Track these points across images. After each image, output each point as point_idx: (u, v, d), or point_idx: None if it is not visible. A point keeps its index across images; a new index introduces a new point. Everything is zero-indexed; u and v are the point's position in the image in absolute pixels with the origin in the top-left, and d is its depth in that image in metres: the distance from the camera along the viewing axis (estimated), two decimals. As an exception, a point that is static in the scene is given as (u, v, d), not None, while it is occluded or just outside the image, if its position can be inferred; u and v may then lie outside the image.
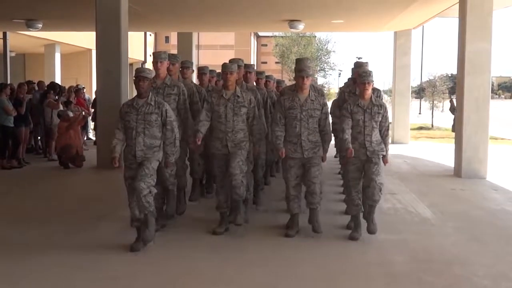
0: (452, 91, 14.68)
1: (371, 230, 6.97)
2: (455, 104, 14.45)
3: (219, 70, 8.33)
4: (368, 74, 6.98)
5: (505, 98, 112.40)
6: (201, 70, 9.31)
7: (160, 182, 7.06)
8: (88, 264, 6.02)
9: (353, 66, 8.68)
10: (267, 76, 10.54)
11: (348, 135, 6.92)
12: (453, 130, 14.97)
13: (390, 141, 7.19)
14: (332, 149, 10.95)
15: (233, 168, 7.03)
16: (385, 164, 7.07)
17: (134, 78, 6.53)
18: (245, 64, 8.74)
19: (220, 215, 7.31)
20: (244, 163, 7.23)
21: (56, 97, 14.95)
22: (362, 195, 7.09)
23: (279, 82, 12.05)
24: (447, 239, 7.23)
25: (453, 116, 14.63)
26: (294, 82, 7.53)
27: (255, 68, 9.72)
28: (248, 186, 7.53)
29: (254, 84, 9.18)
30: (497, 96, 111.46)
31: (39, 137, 15.54)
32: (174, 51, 21.24)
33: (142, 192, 6.30)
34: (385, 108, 7.06)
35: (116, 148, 6.53)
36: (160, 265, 6.02)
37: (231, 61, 7.77)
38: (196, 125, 7.23)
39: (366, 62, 8.32)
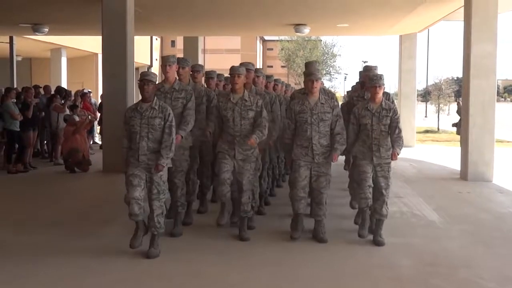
0: (458, 94, 14.57)
1: (377, 243, 6.92)
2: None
3: (226, 74, 8.29)
4: (379, 77, 6.96)
5: (511, 101, 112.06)
6: (209, 75, 9.26)
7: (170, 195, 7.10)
8: (95, 267, 6.04)
9: (361, 70, 8.63)
10: (275, 80, 10.52)
11: (350, 143, 7.03)
12: (457, 133, 14.82)
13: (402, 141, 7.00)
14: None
15: (244, 185, 7.06)
16: (392, 159, 6.91)
17: (138, 81, 6.51)
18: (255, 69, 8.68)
19: (221, 205, 7.26)
20: (254, 174, 7.24)
21: (62, 101, 15.00)
22: (371, 207, 7.08)
23: (286, 86, 12.01)
24: (453, 242, 7.21)
25: (458, 119, 14.47)
26: (299, 86, 7.50)
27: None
28: (253, 193, 7.46)
29: (263, 88, 9.05)
30: (502, 99, 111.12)
31: (45, 141, 15.59)
32: (180, 55, 21.19)
33: (155, 211, 6.38)
34: (394, 111, 6.98)
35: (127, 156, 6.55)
36: (166, 268, 6.03)
37: (241, 64, 7.67)
38: (207, 121, 7.31)
39: (376, 66, 8.21)
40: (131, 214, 6.39)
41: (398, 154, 6.88)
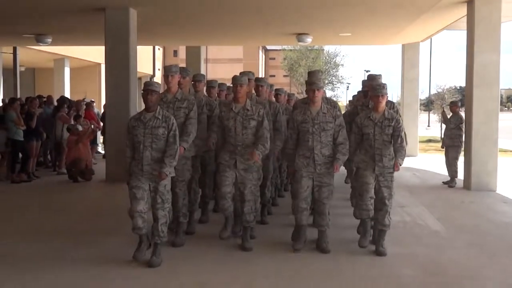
0: (461, 104, 14.07)
1: (380, 253, 6.89)
2: (447, 116, 13.52)
3: (229, 84, 8.29)
4: (382, 86, 6.96)
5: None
6: (210, 84, 9.26)
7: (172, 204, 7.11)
8: (98, 276, 6.03)
9: (365, 79, 8.62)
10: (277, 90, 10.51)
11: (351, 153, 7.01)
12: (442, 146, 13.37)
13: (405, 151, 7.07)
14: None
15: (246, 195, 7.05)
16: (395, 170, 6.97)
17: (142, 91, 6.53)
18: (256, 78, 8.68)
19: (225, 218, 7.29)
20: (256, 185, 7.20)
21: (67, 111, 15.03)
22: (373, 217, 7.08)
23: (289, 96, 11.99)
24: (457, 252, 7.19)
25: (443, 130, 13.57)
26: (302, 95, 7.49)
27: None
28: (255, 203, 7.44)
29: (267, 98, 9.03)
30: (506, 108, 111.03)
31: (48, 151, 15.60)
32: (183, 64, 21.16)
33: (160, 220, 6.41)
34: (397, 120, 6.97)
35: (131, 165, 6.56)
36: (169, 278, 6.02)
37: (241, 73, 7.71)
38: (210, 131, 7.30)
39: (380, 75, 8.20)
40: (134, 228, 6.41)
41: (400, 165, 6.91)
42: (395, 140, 6.96)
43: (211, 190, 8.80)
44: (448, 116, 13.40)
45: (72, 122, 14.14)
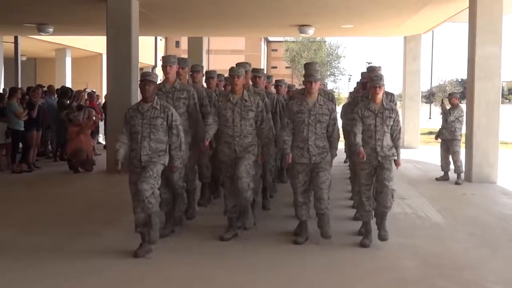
0: (462, 96, 13.74)
1: (382, 237, 6.92)
2: (447, 107, 12.59)
3: (227, 75, 8.30)
4: (380, 78, 6.96)
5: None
6: (209, 74, 9.26)
7: (168, 186, 7.09)
8: (98, 268, 6.03)
9: (365, 71, 8.64)
10: (278, 81, 10.51)
11: (359, 139, 6.87)
12: (436, 138, 12.73)
13: (401, 145, 7.12)
14: (341, 155, 10.97)
15: (240, 172, 6.99)
16: (397, 168, 7.04)
17: (139, 82, 6.52)
18: (254, 69, 8.71)
19: (228, 220, 7.29)
20: (252, 167, 7.18)
21: (68, 101, 15.02)
22: (374, 201, 7.08)
23: (289, 87, 11.99)
24: (458, 244, 7.20)
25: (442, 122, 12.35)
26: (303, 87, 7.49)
27: (265, 72, 9.66)
28: (256, 190, 7.47)
29: (264, 88, 9.08)
30: (507, 101, 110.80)
31: (49, 141, 15.60)
32: (185, 55, 21.30)
33: (145, 193, 6.27)
34: (397, 112, 6.99)
35: (119, 151, 6.50)
36: (169, 270, 6.03)
37: (238, 65, 7.72)
38: (205, 129, 7.23)
39: (379, 66, 8.24)
40: (137, 226, 6.42)
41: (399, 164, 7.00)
42: (396, 134, 6.99)
43: (209, 171, 8.88)
44: (448, 108, 12.57)
45: (76, 113, 14.09)
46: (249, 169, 7.10)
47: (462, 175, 11.92)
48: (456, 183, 11.77)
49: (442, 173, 12.36)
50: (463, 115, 12.08)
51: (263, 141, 7.29)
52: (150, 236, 6.41)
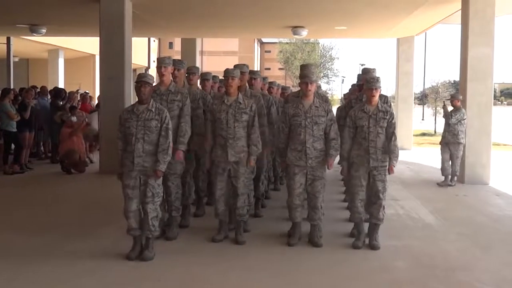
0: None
1: (373, 247, 6.90)
2: (448, 110, 12.18)
3: (222, 76, 8.26)
4: (376, 80, 6.95)
5: (508, 104, 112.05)
6: (204, 76, 9.20)
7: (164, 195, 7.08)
8: (93, 270, 6.02)
9: (360, 73, 8.61)
10: (270, 83, 10.49)
11: (345, 148, 6.99)
12: (441, 142, 12.12)
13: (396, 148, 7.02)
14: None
15: (239, 189, 7.03)
16: (389, 173, 6.98)
17: (135, 83, 6.48)
18: (251, 71, 8.65)
19: (219, 222, 7.26)
20: (250, 179, 7.23)
21: (61, 103, 14.97)
22: (367, 210, 7.07)
23: (284, 89, 11.94)
24: (451, 244, 7.22)
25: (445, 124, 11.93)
26: (296, 88, 7.45)
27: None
28: (249, 196, 7.42)
29: (260, 90, 9.01)
30: (499, 102, 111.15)
31: (41, 142, 15.54)
32: (178, 56, 21.25)
33: (150, 214, 6.32)
34: (391, 114, 6.96)
35: (124, 162, 6.44)
36: (164, 272, 6.01)
37: (235, 66, 7.67)
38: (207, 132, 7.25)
39: (374, 69, 8.19)
40: (129, 229, 6.40)
41: (394, 167, 6.94)
42: (390, 137, 6.93)
43: (205, 183, 8.77)
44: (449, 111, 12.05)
45: (69, 114, 14.05)
46: (247, 183, 7.15)
47: (455, 176, 11.89)
48: (449, 184, 11.75)
49: (441, 176, 12.07)
50: (465, 118, 11.69)
51: (251, 149, 7.08)
52: (145, 255, 6.34)
